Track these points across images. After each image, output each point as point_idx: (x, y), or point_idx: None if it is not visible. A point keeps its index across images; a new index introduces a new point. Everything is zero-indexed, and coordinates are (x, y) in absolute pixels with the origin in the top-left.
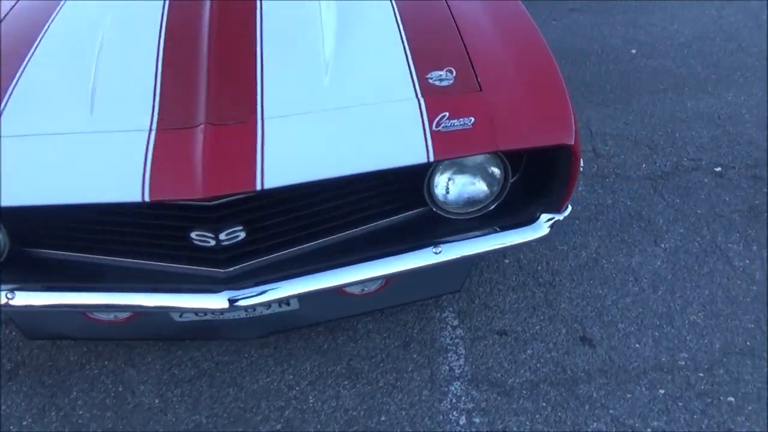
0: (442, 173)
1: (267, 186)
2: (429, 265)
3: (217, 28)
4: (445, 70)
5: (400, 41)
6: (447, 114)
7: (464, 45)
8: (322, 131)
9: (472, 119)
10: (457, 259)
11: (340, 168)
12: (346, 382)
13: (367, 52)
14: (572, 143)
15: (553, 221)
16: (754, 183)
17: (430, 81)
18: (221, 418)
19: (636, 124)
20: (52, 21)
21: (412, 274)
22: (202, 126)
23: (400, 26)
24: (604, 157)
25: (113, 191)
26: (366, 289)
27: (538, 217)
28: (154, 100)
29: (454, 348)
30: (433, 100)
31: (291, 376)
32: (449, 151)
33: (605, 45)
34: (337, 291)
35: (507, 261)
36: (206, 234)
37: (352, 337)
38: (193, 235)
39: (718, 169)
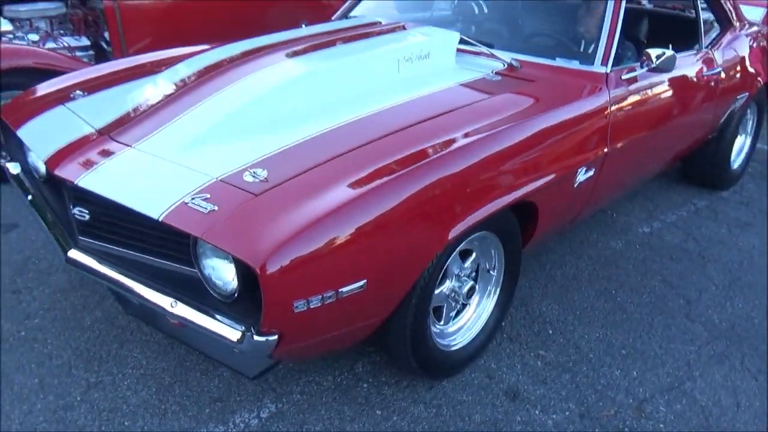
0: (202, 248)
1: (80, 184)
2: (164, 309)
3: (209, 76)
4: (265, 169)
5: (311, 138)
6: (208, 195)
7: (332, 168)
8: (142, 169)
9: (216, 208)
10: (187, 320)
11: (115, 193)
12: (94, 395)
13: (259, 138)
14: (250, 263)
15: (242, 337)
16: None
17: (246, 174)
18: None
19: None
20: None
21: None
22: (104, 136)
23: (344, 125)
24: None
25: None
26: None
27: (245, 330)
28: None
29: None
30: (221, 186)
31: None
32: (174, 219)
33: None
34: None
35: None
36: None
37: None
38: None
39: None
